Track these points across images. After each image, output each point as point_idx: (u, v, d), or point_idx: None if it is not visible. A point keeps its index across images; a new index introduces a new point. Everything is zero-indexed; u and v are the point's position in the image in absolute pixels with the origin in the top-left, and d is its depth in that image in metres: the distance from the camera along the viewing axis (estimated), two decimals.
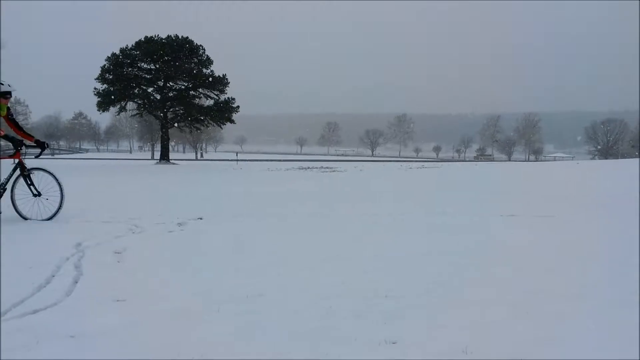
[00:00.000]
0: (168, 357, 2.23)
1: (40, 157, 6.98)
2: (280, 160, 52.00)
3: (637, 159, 29.77)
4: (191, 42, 42.70)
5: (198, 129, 46.80)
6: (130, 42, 42.00)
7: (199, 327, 2.59)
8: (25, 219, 6.41)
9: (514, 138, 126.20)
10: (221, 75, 43.09)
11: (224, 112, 43.30)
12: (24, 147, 6.50)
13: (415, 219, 6.36)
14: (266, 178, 17.22)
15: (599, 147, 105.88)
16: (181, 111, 44.24)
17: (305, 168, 26.24)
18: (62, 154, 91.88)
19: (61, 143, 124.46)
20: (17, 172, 6.54)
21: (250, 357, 2.24)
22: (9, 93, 6.44)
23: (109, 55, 41.38)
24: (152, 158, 72.62)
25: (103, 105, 41.50)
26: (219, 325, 2.61)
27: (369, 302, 2.97)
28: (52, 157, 67.19)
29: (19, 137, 6.48)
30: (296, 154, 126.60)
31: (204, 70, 43.32)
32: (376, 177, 17.76)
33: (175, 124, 45.17)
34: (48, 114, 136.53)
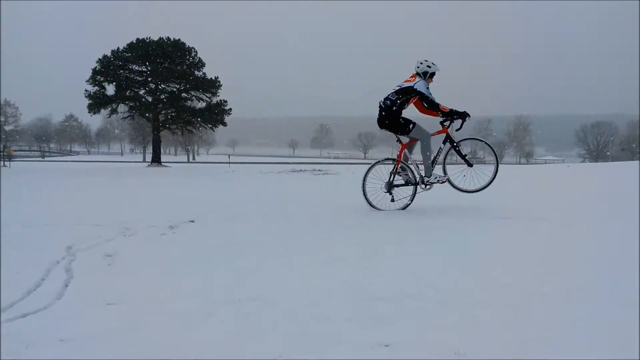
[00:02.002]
0: None
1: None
2: (272, 163, 51.94)
3: (628, 162, 30.01)
4: (183, 44, 42.65)
5: (190, 131, 46.69)
6: (123, 44, 41.88)
7: (192, 330, 2.58)
8: (464, 191, 6.90)
9: (505, 141, 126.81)
10: (213, 78, 43.06)
11: (215, 114, 43.26)
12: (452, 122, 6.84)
13: (408, 220, 6.37)
14: (258, 181, 17.19)
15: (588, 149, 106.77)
16: (173, 113, 44.13)
17: (297, 171, 26.22)
18: (53, 156, 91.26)
19: (52, 146, 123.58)
20: (447, 145, 6.92)
21: (244, 359, 2.23)
22: (434, 74, 6.86)
23: (100, 57, 41.22)
24: (144, 160, 72.40)
25: (94, 108, 41.34)
26: (211, 329, 2.59)
27: (362, 304, 2.97)
28: (43, 159, 66.75)
29: (456, 114, 6.74)
30: (288, 156, 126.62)
31: (196, 72, 43.25)
32: None
33: (167, 126, 45.05)
34: (38, 116, 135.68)
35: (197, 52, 43.06)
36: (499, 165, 6.87)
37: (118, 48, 41.66)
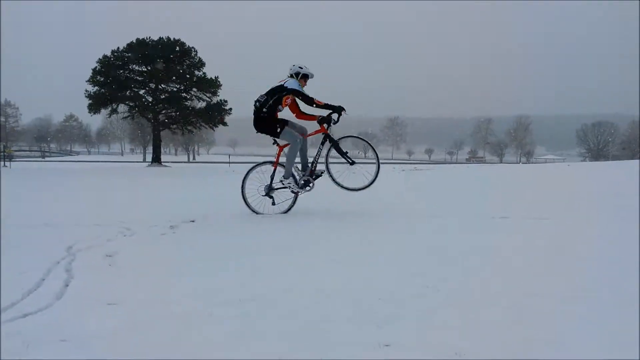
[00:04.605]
0: None
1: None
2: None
3: (628, 161, 29.99)
4: (183, 44, 42.65)
5: (190, 131, 46.69)
6: (122, 44, 41.90)
7: (193, 330, 2.58)
8: (346, 188, 6.76)
9: (506, 140, 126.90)
10: (213, 78, 43.02)
11: (216, 114, 43.24)
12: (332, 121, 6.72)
13: (407, 221, 6.37)
14: (259, 180, 17.16)
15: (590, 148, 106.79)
16: (173, 113, 44.12)
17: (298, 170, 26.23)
18: (53, 156, 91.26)
19: (52, 146, 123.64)
20: (327, 144, 6.81)
21: (244, 359, 2.23)
22: (307, 76, 6.80)
23: (100, 57, 41.23)
24: (144, 160, 72.42)
25: (94, 107, 41.35)
26: (212, 329, 2.59)
27: (362, 304, 2.96)
28: (43, 159, 66.76)
29: (331, 108, 6.60)
30: None
31: (196, 72, 43.25)
32: None
33: (168, 126, 45.04)
34: (38, 116, 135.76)
35: (197, 52, 43.06)
36: (380, 164, 6.74)
37: (118, 48, 41.68)
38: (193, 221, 6.32)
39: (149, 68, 42.17)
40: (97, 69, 40.77)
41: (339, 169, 6.72)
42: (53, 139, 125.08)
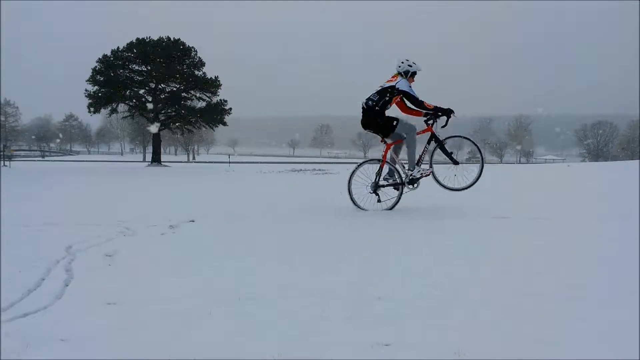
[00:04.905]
0: None
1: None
2: (272, 163, 51.96)
3: (628, 162, 29.98)
4: (183, 43, 42.67)
5: (190, 130, 46.70)
6: (122, 44, 41.91)
7: (192, 330, 2.58)
8: (449, 188, 6.95)
9: (506, 141, 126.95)
10: (213, 77, 43.04)
11: (215, 114, 43.27)
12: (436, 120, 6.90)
13: (407, 221, 6.37)
14: (259, 180, 17.19)
15: (589, 147, 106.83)
16: (173, 113, 44.12)
17: (297, 170, 26.25)
18: (53, 156, 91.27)
19: (52, 145, 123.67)
20: (433, 144, 6.98)
21: (243, 358, 2.23)
22: (415, 73, 6.92)
23: (100, 57, 41.23)
24: (144, 160, 72.46)
25: (94, 107, 41.34)
26: (211, 329, 2.59)
27: (362, 304, 2.96)
28: (43, 159, 66.80)
29: (440, 111, 6.77)
30: (288, 156, 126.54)
31: (196, 72, 43.26)
32: None
33: (168, 124, 45.03)
34: (38, 115, 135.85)
35: (197, 52, 43.07)
36: (484, 165, 6.91)
37: (118, 48, 41.68)
38: (193, 221, 6.32)
39: (149, 68, 42.18)
40: (97, 68, 40.78)
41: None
42: (54, 139, 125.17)
